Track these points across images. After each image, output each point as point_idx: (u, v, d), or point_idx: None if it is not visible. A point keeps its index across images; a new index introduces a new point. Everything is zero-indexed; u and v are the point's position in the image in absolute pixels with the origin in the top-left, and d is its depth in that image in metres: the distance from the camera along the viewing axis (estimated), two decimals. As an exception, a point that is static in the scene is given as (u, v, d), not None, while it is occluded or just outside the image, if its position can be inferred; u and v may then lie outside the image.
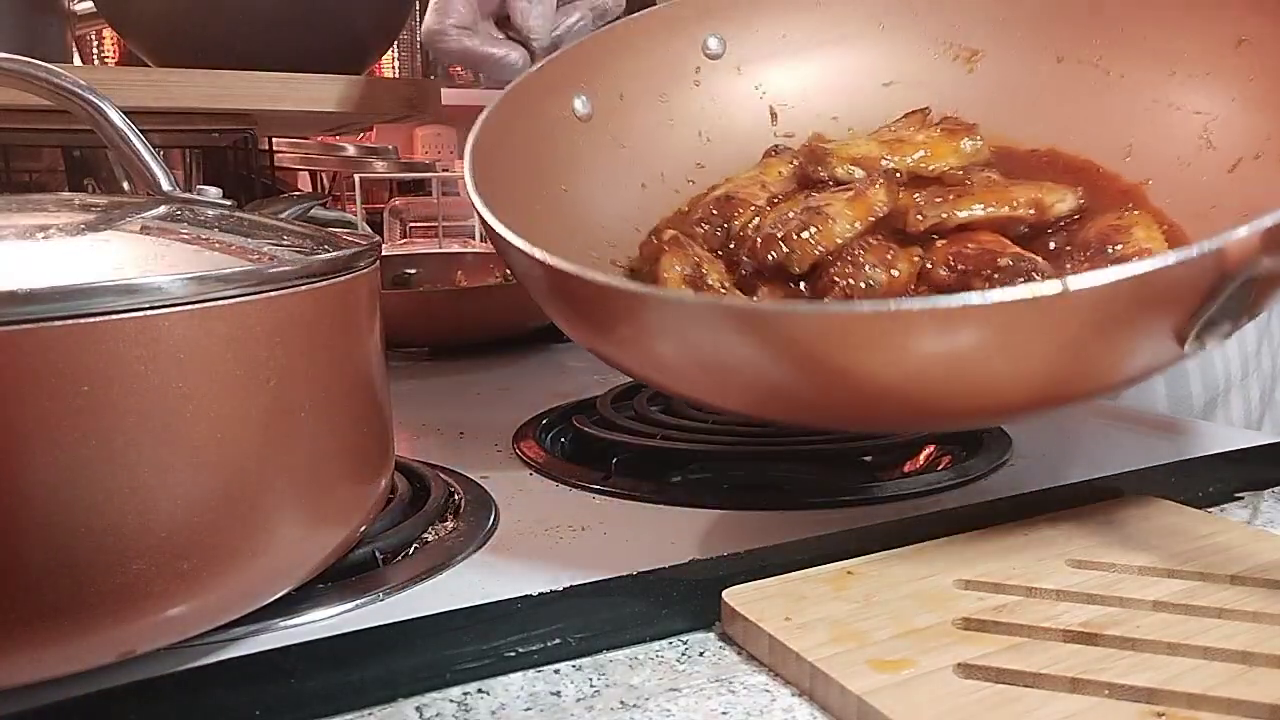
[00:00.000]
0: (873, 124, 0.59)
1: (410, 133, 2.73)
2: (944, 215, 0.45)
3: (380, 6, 0.84)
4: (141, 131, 0.38)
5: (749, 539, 0.40)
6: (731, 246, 0.49)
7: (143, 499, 0.27)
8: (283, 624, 0.34)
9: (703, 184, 0.58)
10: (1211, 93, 0.52)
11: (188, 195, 0.37)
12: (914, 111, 0.56)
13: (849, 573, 0.35)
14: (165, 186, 0.37)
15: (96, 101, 0.37)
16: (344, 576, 0.37)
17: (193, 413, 0.28)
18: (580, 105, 0.56)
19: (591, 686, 0.31)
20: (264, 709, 0.28)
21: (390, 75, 2.57)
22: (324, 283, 0.32)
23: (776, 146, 0.56)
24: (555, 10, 0.62)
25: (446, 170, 2.36)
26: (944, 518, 0.41)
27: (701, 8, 0.58)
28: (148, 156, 0.38)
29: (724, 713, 0.29)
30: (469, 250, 1.31)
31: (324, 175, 2.18)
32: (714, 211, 0.50)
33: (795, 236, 0.43)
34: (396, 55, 2.71)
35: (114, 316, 0.27)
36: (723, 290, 0.46)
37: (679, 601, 0.34)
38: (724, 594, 0.33)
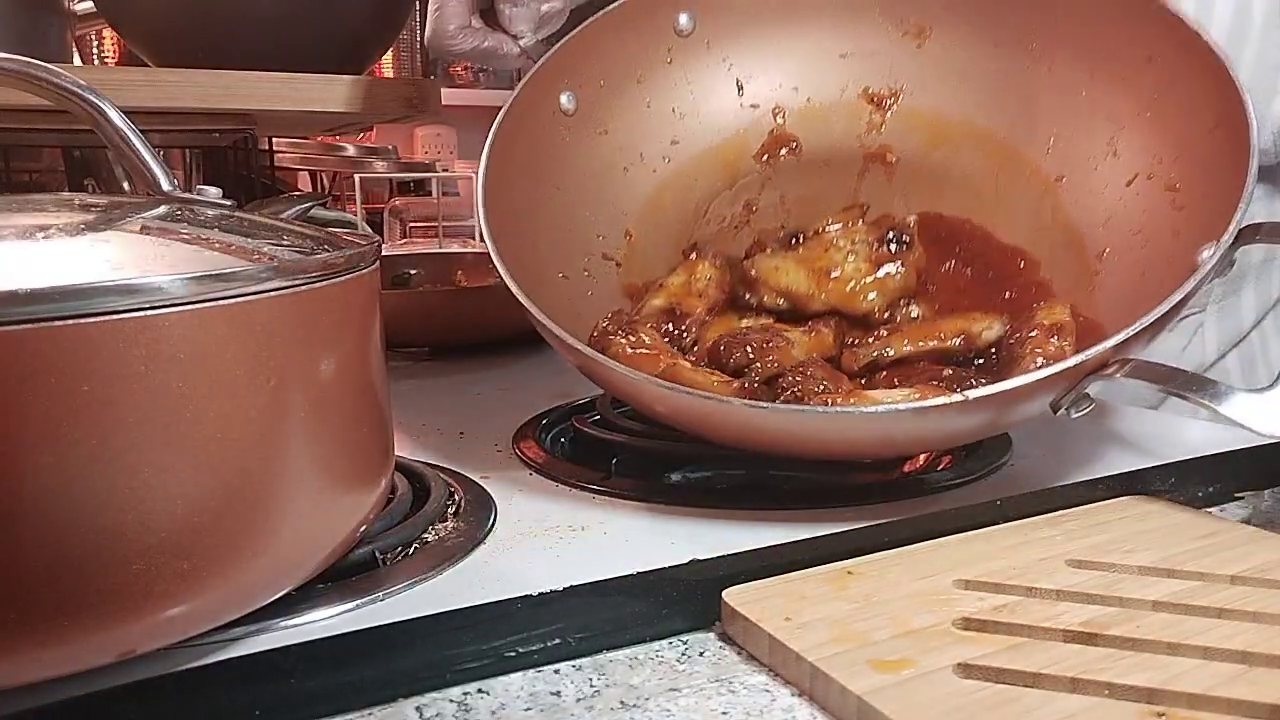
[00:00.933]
0: (830, 95, 0.64)
1: (410, 133, 2.74)
2: (877, 354, 0.52)
3: (380, 6, 0.84)
4: (141, 131, 0.38)
5: (749, 539, 0.40)
6: (677, 349, 0.54)
7: (143, 499, 0.27)
8: (283, 624, 0.34)
9: (677, 160, 0.63)
10: (1124, 102, 0.56)
11: (188, 195, 0.37)
12: (853, 206, 0.61)
13: (849, 573, 0.35)
14: (165, 186, 0.37)
15: (96, 101, 0.37)
16: (344, 576, 0.37)
17: (193, 413, 0.28)
18: (566, 101, 0.60)
19: (591, 686, 0.31)
20: (264, 709, 0.28)
21: (390, 75, 2.57)
22: (324, 283, 0.32)
23: (695, 245, 0.61)
24: (538, 11, 0.65)
25: (446, 170, 2.36)
26: (944, 518, 0.41)
27: None
28: (148, 156, 0.38)
29: (724, 713, 0.29)
30: (469, 250, 1.31)
31: (324, 175, 2.18)
32: (661, 321, 0.55)
33: (763, 348, 0.50)
34: (396, 55, 2.71)
35: (114, 316, 0.26)
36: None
37: (679, 601, 0.34)
38: (724, 594, 0.33)
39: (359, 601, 0.36)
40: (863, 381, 0.51)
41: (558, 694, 0.30)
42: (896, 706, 0.27)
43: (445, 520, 0.44)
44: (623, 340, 0.50)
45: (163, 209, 0.35)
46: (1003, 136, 0.60)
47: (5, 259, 0.29)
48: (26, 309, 0.25)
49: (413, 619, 0.33)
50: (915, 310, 0.56)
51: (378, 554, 0.39)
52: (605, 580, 0.36)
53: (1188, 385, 0.40)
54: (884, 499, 0.46)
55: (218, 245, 0.33)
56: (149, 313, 0.27)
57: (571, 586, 0.35)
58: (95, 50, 1.41)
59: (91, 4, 0.85)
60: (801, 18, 0.64)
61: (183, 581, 0.29)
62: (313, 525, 0.33)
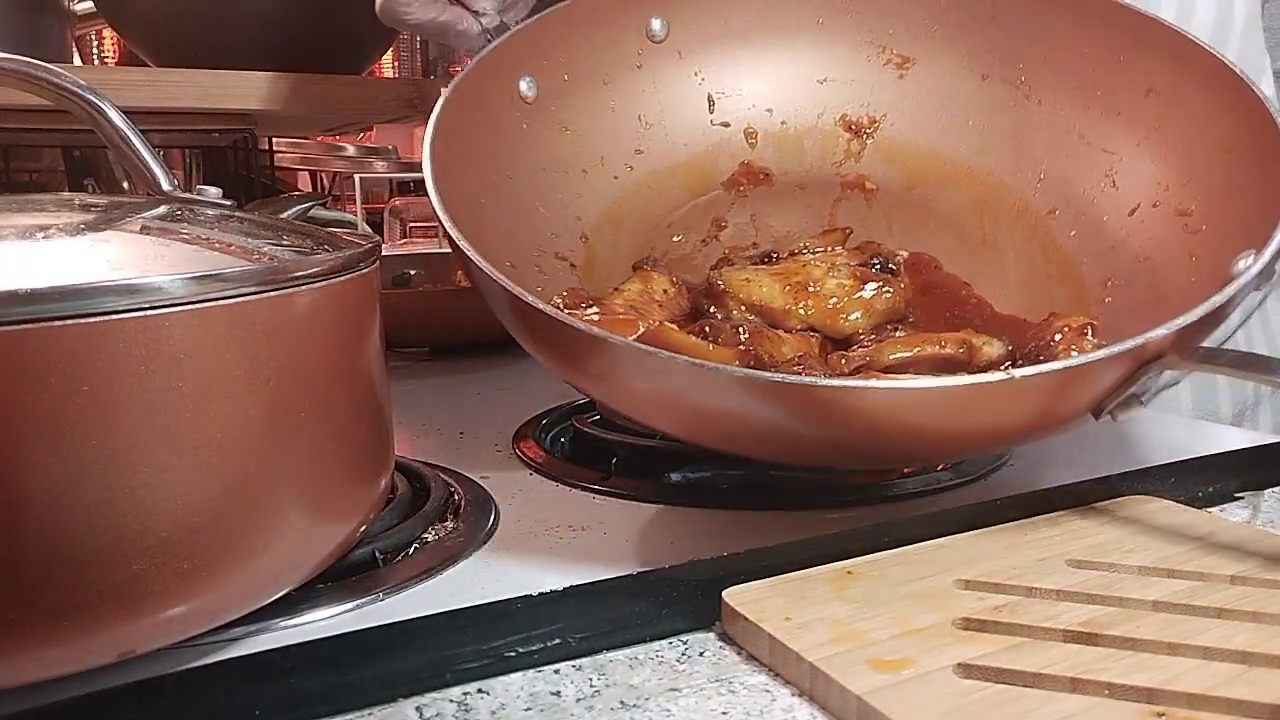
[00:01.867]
0: (806, 119, 0.62)
1: (410, 133, 2.73)
2: (869, 359, 0.46)
3: (380, 6, 0.83)
4: (141, 131, 0.38)
5: (749, 539, 0.40)
6: None
7: (143, 499, 0.27)
8: (283, 624, 0.34)
9: (640, 170, 0.60)
10: (1120, 134, 0.54)
11: (188, 195, 0.37)
12: (834, 230, 0.58)
13: (849, 573, 0.35)
14: (165, 186, 0.38)
15: (96, 101, 0.37)
16: (344, 576, 0.37)
17: (193, 413, 0.28)
18: (526, 87, 0.56)
19: (591, 686, 0.31)
20: (264, 709, 0.28)
21: (390, 75, 2.57)
22: (324, 283, 0.32)
23: (650, 258, 0.55)
24: None
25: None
26: (944, 518, 0.41)
27: None
28: (148, 156, 0.38)
29: (724, 713, 0.29)
30: (469, 250, 1.30)
31: (324, 175, 2.18)
32: None
33: (757, 333, 0.46)
34: (396, 55, 2.71)
35: (114, 316, 0.26)
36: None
37: (679, 601, 0.34)
38: (724, 594, 0.33)
39: (359, 601, 0.36)
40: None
41: (558, 694, 0.30)
42: (896, 706, 0.27)
43: (445, 520, 0.44)
44: (589, 309, 0.44)
45: (163, 209, 0.35)
46: (988, 170, 0.58)
47: (5, 259, 0.29)
48: (26, 309, 0.25)
49: (413, 619, 0.33)
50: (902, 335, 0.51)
51: (378, 554, 0.39)
52: (605, 580, 0.36)
53: (1266, 367, 0.37)
54: (884, 499, 0.46)
55: (218, 245, 0.33)
56: (149, 313, 0.27)
57: (571, 586, 0.35)
58: (95, 50, 1.41)
59: (91, 4, 0.85)
60: (780, 38, 0.61)
61: (183, 581, 0.29)
62: (313, 525, 0.33)
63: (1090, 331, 0.44)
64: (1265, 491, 0.46)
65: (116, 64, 1.36)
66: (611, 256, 0.57)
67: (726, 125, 0.61)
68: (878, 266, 0.51)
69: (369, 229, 1.65)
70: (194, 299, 0.28)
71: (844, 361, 0.47)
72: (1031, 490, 0.46)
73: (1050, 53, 0.57)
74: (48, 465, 0.26)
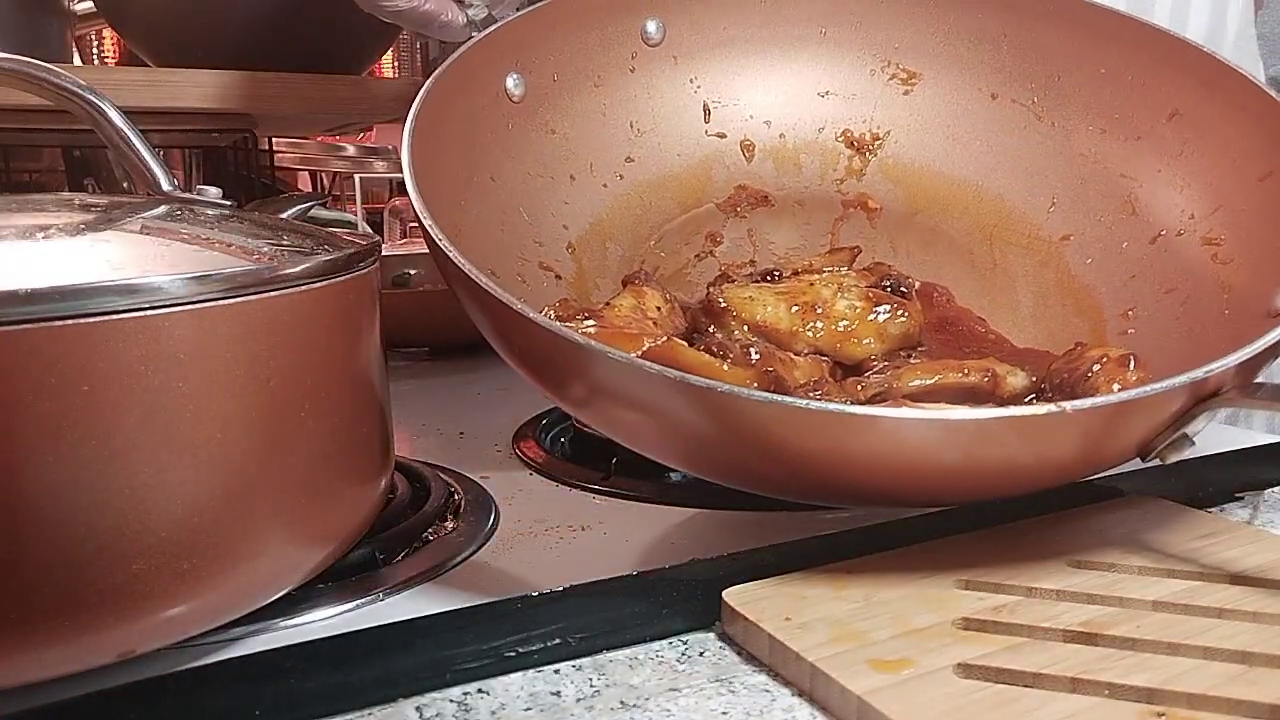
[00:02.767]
0: (806, 133, 0.59)
1: (410, 133, 2.73)
2: (886, 386, 0.43)
3: (380, 6, 0.83)
4: (141, 131, 0.38)
5: (749, 539, 0.40)
6: None
7: (143, 499, 0.27)
8: (283, 624, 0.34)
9: (631, 179, 0.57)
10: (1139, 158, 0.52)
11: (188, 195, 0.37)
12: (841, 249, 0.55)
13: (849, 573, 0.35)
14: (165, 186, 0.38)
15: (96, 101, 0.37)
16: (344, 576, 0.37)
17: (193, 413, 0.28)
18: (513, 85, 0.53)
19: (591, 686, 0.31)
20: (264, 709, 0.28)
21: (390, 75, 2.56)
22: (324, 283, 0.32)
23: (641, 273, 0.50)
24: None
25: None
26: (944, 518, 0.40)
27: None
28: (148, 156, 0.38)
29: (724, 713, 0.29)
30: (469, 250, 1.30)
31: (324, 175, 2.18)
32: None
33: (768, 354, 0.42)
34: (396, 55, 2.71)
35: (114, 316, 0.27)
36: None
37: (679, 601, 0.34)
38: (724, 594, 0.33)
39: (359, 601, 0.36)
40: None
41: (558, 694, 0.30)
42: (896, 706, 0.27)
43: (445, 520, 0.44)
44: (586, 322, 0.41)
45: (163, 209, 0.35)
46: (997, 194, 0.56)
47: (5, 259, 0.29)
48: (26, 309, 0.25)
49: (413, 619, 0.33)
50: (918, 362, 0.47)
51: (378, 554, 0.39)
52: (605, 580, 0.36)
53: None
54: (884, 499, 0.46)
55: (218, 245, 0.33)
56: (149, 313, 0.27)
57: (571, 586, 0.35)
58: (95, 50, 1.41)
59: (91, 4, 0.85)
60: (781, 48, 0.58)
61: (183, 581, 0.29)
62: (312, 525, 0.33)
63: (1133, 363, 0.41)
64: (1265, 491, 0.46)
65: (116, 64, 1.36)
66: (599, 269, 0.54)
67: (722, 136, 0.58)
68: (890, 288, 0.49)
69: (369, 229, 1.65)
70: (194, 299, 0.28)
71: (860, 388, 0.43)
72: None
73: (1064, 72, 0.55)
74: (48, 465, 0.26)
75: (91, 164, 1.05)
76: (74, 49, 0.93)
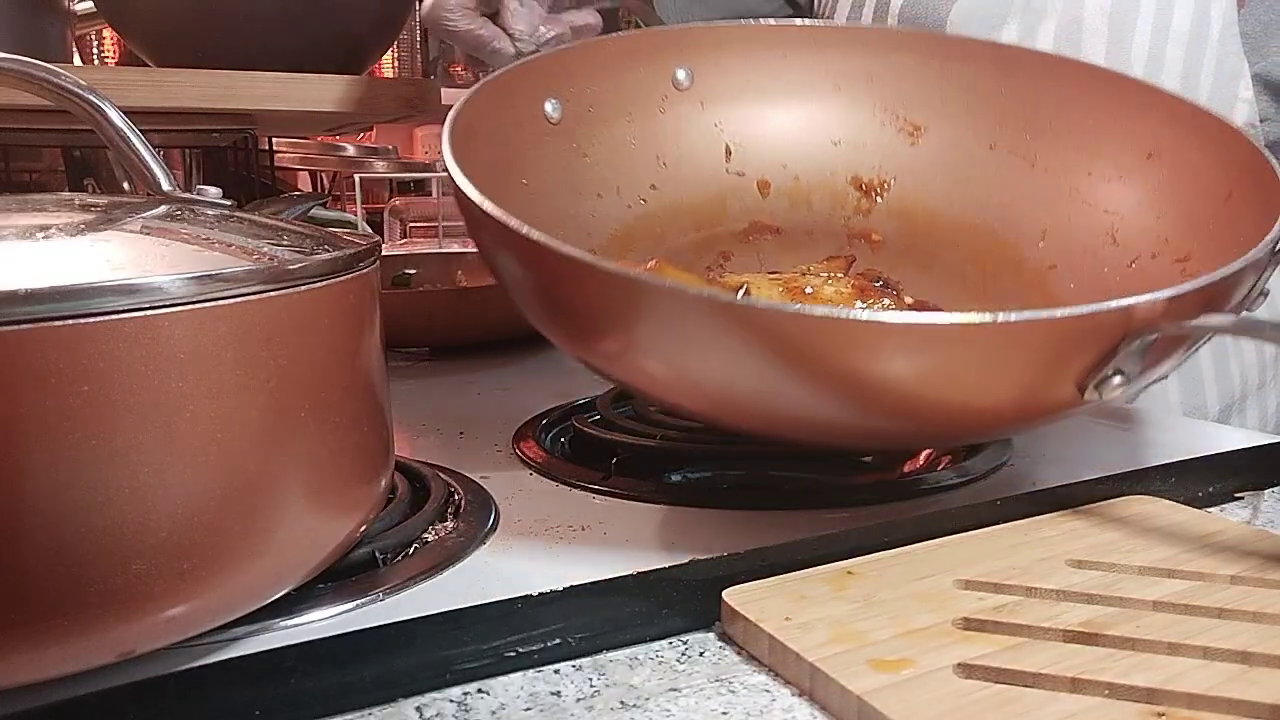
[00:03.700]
0: (818, 176, 0.64)
1: (410, 133, 2.74)
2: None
3: (380, 6, 0.84)
4: (141, 131, 0.38)
5: (749, 539, 0.40)
6: None
7: (143, 499, 0.27)
8: (283, 624, 0.34)
9: (653, 204, 0.62)
10: (1121, 195, 0.57)
11: (188, 195, 0.37)
12: (836, 257, 0.60)
13: (849, 573, 0.35)
14: (165, 186, 0.37)
15: (96, 101, 0.37)
16: (344, 576, 0.37)
17: (193, 413, 0.28)
18: (551, 109, 0.58)
19: (591, 686, 0.31)
20: (264, 709, 0.28)
21: (390, 75, 2.56)
22: (324, 283, 0.32)
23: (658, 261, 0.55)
24: (541, 19, 0.65)
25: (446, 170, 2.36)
26: (944, 518, 0.41)
27: (677, 40, 0.62)
28: (148, 156, 0.38)
29: (724, 713, 0.29)
30: (469, 250, 1.30)
31: (324, 175, 2.18)
32: None
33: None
34: (396, 55, 2.71)
35: (114, 316, 0.26)
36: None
37: (679, 601, 0.34)
38: (724, 594, 0.33)
39: (359, 601, 0.36)
40: None
41: (558, 694, 0.30)
42: (896, 706, 0.27)
43: (445, 520, 0.44)
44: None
45: (163, 209, 0.35)
46: (991, 230, 0.61)
47: (5, 259, 0.29)
48: (26, 309, 0.25)
49: (413, 619, 0.33)
50: None
51: (378, 554, 0.39)
52: (605, 580, 0.36)
53: (1259, 329, 0.37)
54: (884, 499, 0.46)
55: (218, 245, 0.33)
56: (149, 313, 0.27)
57: (571, 586, 0.35)
58: (95, 50, 1.41)
59: (91, 4, 0.85)
60: (799, 99, 0.64)
61: (183, 581, 0.29)
62: (312, 525, 0.33)
63: None
64: (1265, 491, 0.46)
65: (116, 64, 1.36)
66: None
67: (741, 174, 0.63)
68: (880, 284, 0.53)
69: (369, 229, 1.65)
70: (194, 299, 0.28)
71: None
72: (1031, 490, 0.46)
73: (1055, 122, 0.59)
74: (48, 465, 0.26)
75: (91, 164, 1.05)
76: (74, 49, 0.93)
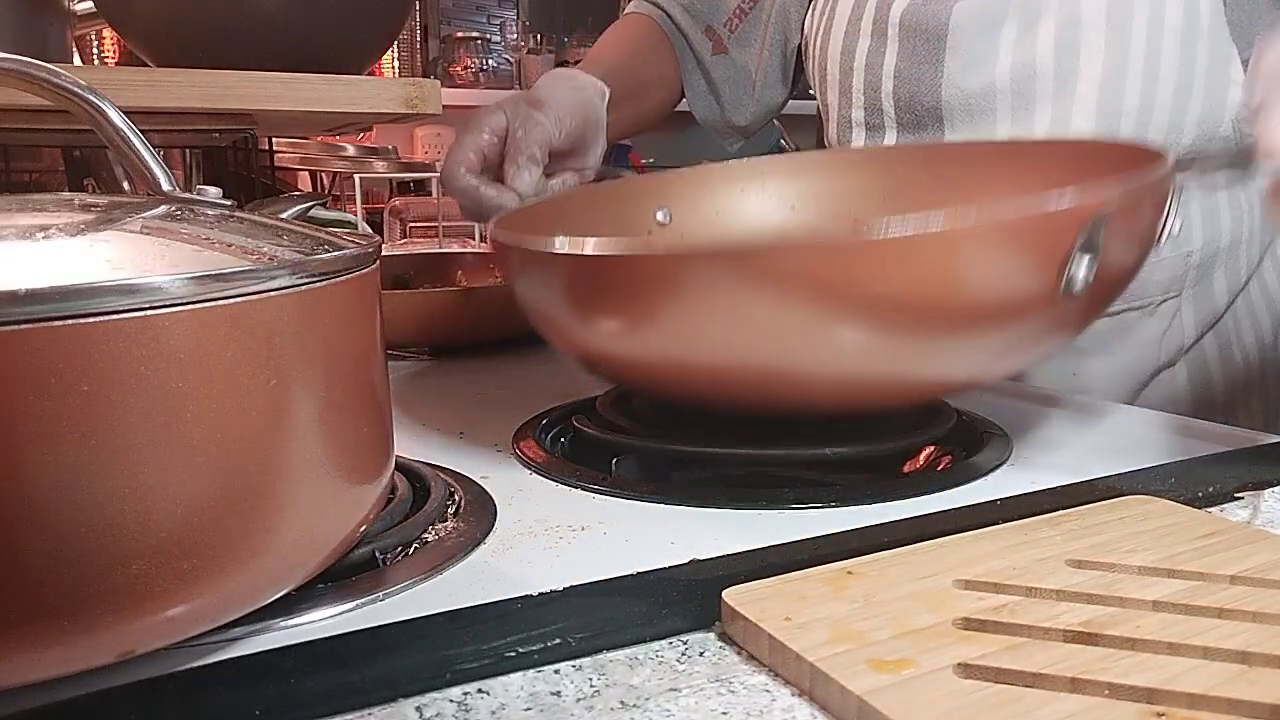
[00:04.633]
0: None
1: (410, 133, 2.73)
2: None
3: (380, 6, 0.84)
4: (141, 131, 0.38)
5: (749, 539, 0.40)
6: None
7: (143, 499, 0.27)
8: (283, 624, 0.34)
9: None
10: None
11: (188, 195, 0.37)
12: None
13: (849, 573, 0.35)
14: (165, 186, 0.37)
15: (96, 101, 0.37)
16: (344, 576, 0.37)
17: (193, 413, 0.28)
18: (559, 245, 0.65)
19: (591, 686, 0.31)
20: (264, 709, 0.28)
21: (390, 75, 2.56)
22: (324, 283, 0.32)
23: None
24: (541, 175, 0.72)
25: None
26: (944, 518, 0.41)
27: (658, 186, 0.75)
28: (148, 156, 0.38)
29: (724, 713, 0.29)
30: (469, 250, 1.31)
31: (324, 175, 2.18)
32: None
33: None
34: (396, 55, 2.71)
35: (114, 316, 0.26)
36: None
37: (679, 601, 0.34)
38: (724, 594, 0.33)
39: (359, 601, 0.36)
40: None
41: (558, 694, 0.30)
42: (896, 706, 0.27)
43: (445, 520, 0.44)
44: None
45: (163, 209, 0.35)
46: None
47: (5, 259, 0.29)
48: (26, 309, 0.25)
49: (413, 619, 0.33)
50: None
51: (378, 554, 0.39)
52: (605, 580, 0.36)
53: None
54: (884, 499, 0.46)
55: (218, 245, 0.33)
56: (149, 313, 0.27)
57: (571, 586, 0.35)
58: (95, 50, 1.41)
59: (91, 4, 0.85)
60: (759, 220, 0.74)
61: (183, 581, 0.29)
62: (313, 525, 0.33)
63: None
64: (1265, 491, 0.46)
65: (116, 64, 1.36)
66: None
67: None
68: None
69: (369, 229, 1.65)
70: (194, 299, 0.28)
71: None
72: (1031, 490, 0.46)
73: (977, 194, 0.63)
74: (48, 465, 0.26)
75: (91, 164, 1.05)
76: (74, 49, 0.93)
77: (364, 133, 1.97)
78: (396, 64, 2.68)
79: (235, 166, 0.98)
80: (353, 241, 0.36)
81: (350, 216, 1.60)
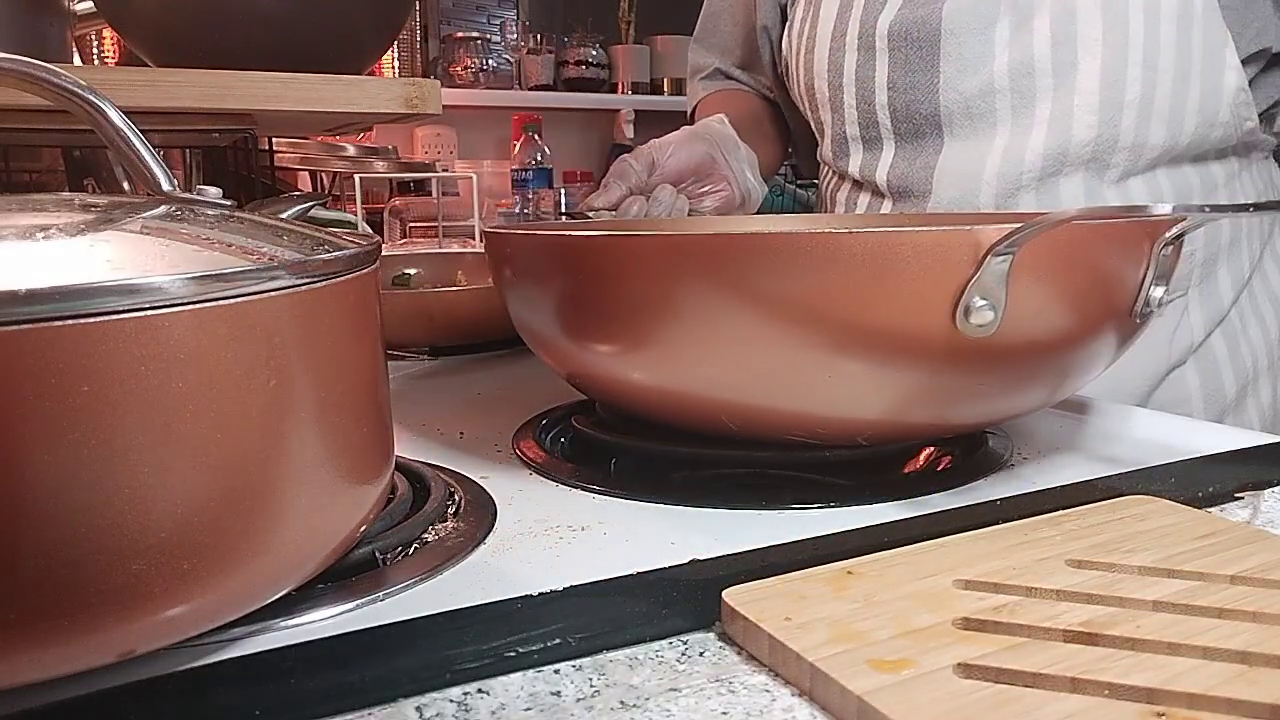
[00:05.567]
0: None
1: (410, 133, 2.73)
2: None
3: (380, 6, 0.84)
4: (141, 131, 0.38)
5: (749, 539, 0.40)
6: None
7: (143, 499, 0.27)
8: (283, 624, 0.34)
9: None
10: None
11: (188, 195, 0.37)
12: None
13: (849, 573, 0.35)
14: (165, 186, 0.37)
15: (96, 101, 0.37)
16: (344, 576, 0.37)
17: (193, 413, 0.28)
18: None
19: (591, 686, 0.31)
20: (264, 709, 0.28)
21: (390, 75, 2.56)
22: (324, 283, 0.32)
23: None
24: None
25: (446, 170, 2.36)
26: (944, 518, 0.41)
27: None
28: (148, 156, 0.38)
29: (724, 713, 0.29)
30: (469, 250, 1.30)
31: (324, 175, 2.18)
32: None
33: None
34: (396, 55, 2.71)
35: (114, 316, 0.26)
36: None
37: (679, 601, 0.34)
38: (724, 594, 0.33)
39: (359, 601, 0.36)
40: None
41: (558, 694, 0.30)
42: (896, 706, 0.27)
43: (445, 520, 0.44)
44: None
45: (163, 209, 0.35)
46: None
47: (5, 259, 0.29)
48: (26, 309, 0.25)
49: (413, 619, 0.33)
50: None
51: (378, 554, 0.39)
52: (605, 580, 0.36)
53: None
54: (884, 499, 0.46)
55: (218, 245, 0.33)
56: (149, 313, 0.27)
57: (571, 586, 0.35)
58: (95, 50, 1.41)
59: (91, 4, 0.85)
60: None
61: (183, 581, 0.29)
62: (313, 525, 0.33)
63: None
64: (1265, 491, 0.46)
65: (116, 64, 1.36)
66: None
67: None
68: None
69: (369, 229, 1.65)
70: (194, 299, 0.28)
71: None
72: (1031, 490, 0.46)
73: None
74: (48, 465, 0.26)
75: (91, 164, 1.05)
76: (74, 49, 0.93)
77: (364, 133, 1.97)
78: (396, 64, 2.68)
79: (235, 166, 0.98)
80: (353, 241, 0.36)
81: (350, 216, 1.60)
